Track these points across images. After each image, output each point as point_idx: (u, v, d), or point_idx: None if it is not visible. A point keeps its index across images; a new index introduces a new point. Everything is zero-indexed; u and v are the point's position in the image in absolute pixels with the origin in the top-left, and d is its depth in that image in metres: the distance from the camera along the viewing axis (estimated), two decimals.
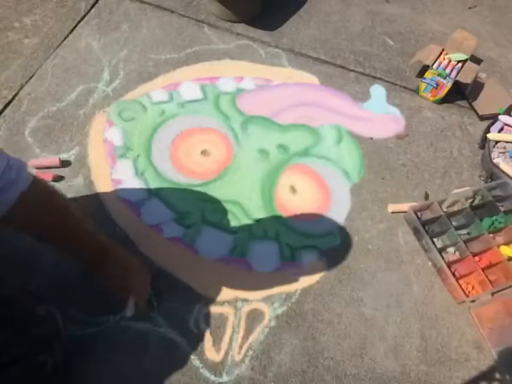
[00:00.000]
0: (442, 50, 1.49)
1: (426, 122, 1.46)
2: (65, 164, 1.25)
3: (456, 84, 1.45)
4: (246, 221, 1.21)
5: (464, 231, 1.24)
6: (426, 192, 1.30)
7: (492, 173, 1.31)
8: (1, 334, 0.73)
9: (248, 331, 1.06)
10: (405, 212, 1.25)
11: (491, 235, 1.20)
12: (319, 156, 1.35)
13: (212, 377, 1.00)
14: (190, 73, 1.48)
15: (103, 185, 1.23)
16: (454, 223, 1.24)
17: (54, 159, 1.24)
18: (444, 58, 1.48)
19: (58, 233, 0.80)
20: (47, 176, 1.20)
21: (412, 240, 1.23)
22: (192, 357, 1.01)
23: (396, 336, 1.08)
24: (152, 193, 1.23)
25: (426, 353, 1.07)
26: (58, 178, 1.22)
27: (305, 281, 1.14)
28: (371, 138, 1.39)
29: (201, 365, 1.01)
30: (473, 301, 1.13)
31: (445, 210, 1.24)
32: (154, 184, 1.24)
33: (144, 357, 1.01)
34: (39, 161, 1.24)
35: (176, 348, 1.02)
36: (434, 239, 1.22)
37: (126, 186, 1.23)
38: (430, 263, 1.19)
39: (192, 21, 1.62)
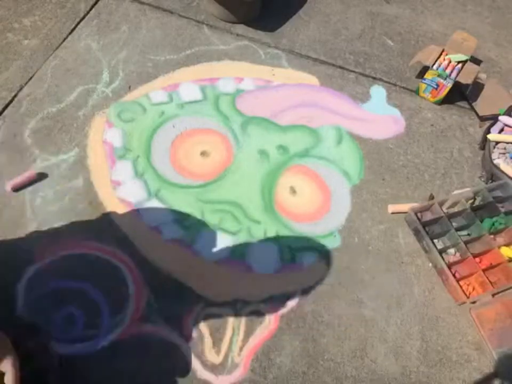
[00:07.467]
0: (442, 51, 1.49)
1: (426, 123, 1.46)
2: (41, 176, 1.22)
3: (456, 85, 1.45)
4: (246, 222, 1.21)
5: (464, 232, 1.24)
6: (431, 194, 1.30)
7: (492, 173, 1.30)
8: None
9: (248, 333, 1.05)
10: (405, 213, 1.25)
11: (491, 236, 1.20)
12: (319, 157, 1.35)
13: (212, 379, 0.99)
14: (189, 74, 1.48)
15: (102, 187, 1.23)
16: (455, 224, 1.23)
17: (30, 172, 1.21)
18: (444, 59, 1.47)
19: None
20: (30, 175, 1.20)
21: (412, 241, 1.22)
22: (192, 358, 1.01)
23: (396, 338, 1.08)
24: (152, 194, 1.22)
25: (427, 355, 1.06)
26: (41, 176, 1.22)
27: (305, 282, 1.13)
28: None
29: (201, 367, 1.00)
30: (473, 302, 1.13)
31: (445, 211, 1.24)
32: (154, 185, 1.24)
33: (144, 358, 1.00)
34: (17, 181, 1.19)
35: (176, 349, 1.02)
36: (435, 240, 1.22)
37: (126, 187, 1.23)
38: (430, 264, 1.19)
39: (191, 21, 1.61)
